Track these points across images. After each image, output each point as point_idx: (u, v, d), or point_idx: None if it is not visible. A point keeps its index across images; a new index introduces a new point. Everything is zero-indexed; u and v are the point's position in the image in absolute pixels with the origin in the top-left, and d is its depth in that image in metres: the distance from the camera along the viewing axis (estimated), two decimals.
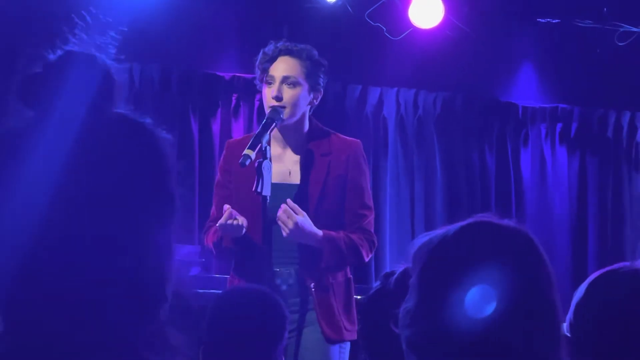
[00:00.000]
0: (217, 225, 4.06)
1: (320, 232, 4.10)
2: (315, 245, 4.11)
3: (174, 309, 1.35)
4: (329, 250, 4.11)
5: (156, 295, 1.29)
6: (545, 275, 1.68)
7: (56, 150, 1.26)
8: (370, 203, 4.29)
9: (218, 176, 4.37)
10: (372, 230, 4.26)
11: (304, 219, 4.07)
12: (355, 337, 4.21)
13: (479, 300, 1.64)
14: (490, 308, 1.64)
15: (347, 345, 4.25)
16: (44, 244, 1.24)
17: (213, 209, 4.33)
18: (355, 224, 4.21)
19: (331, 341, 4.14)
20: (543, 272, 1.69)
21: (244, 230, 4.03)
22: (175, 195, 1.32)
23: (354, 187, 4.24)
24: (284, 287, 4.15)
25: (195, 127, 6.41)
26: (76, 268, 1.24)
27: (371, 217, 4.26)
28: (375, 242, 4.27)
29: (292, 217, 4.04)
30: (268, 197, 4.02)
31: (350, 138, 4.38)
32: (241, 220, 4.02)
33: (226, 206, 4.06)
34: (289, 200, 4.08)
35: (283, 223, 4.05)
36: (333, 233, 4.12)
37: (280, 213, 4.05)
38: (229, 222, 4.01)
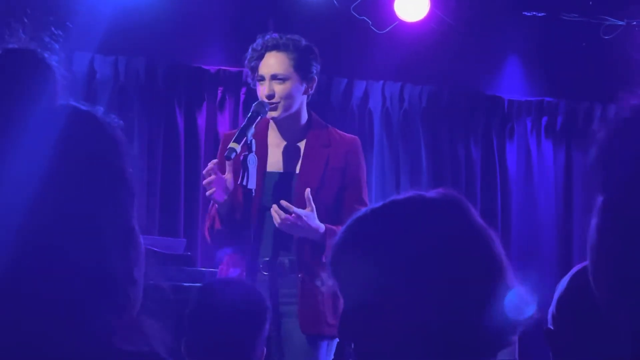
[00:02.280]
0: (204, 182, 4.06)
1: (322, 227, 4.10)
2: (316, 239, 4.09)
3: (149, 297, 1.35)
4: (331, 244, 4.09)
5: (124, 279, 1.29)
6: (472, 243, 1.70)
7: (1, 151, 1.26)
8: (367, 199, 4.29)
9: None
10: None
11: (310, 214, 4.06)
12: None
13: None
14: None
15: (335, 342, 4.25)
16: (1, 240, 1.23)
17: (211, 205, 4.30)
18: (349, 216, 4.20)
19: (307, 333, 4.11)
20: (469, 241, 1.70)
21: (230, 186, 4.03)
22: (131, 178, 1.32)
23: (352, 182, 4.24)
24: (274, 278, 4.14)
25: (180, 121, 6.40)
26: (37, 263, 1.24)
27: None
28: None
29: (280, 215, 4.04)
30: (253, 190, 4.02)
31: (349, 135, 4.38)
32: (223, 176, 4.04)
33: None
34: (307, 192, 4.08)
35: (275, 219, 4.06)
36: (334, 227, 4.12)
37: (274, 214, 4.05)
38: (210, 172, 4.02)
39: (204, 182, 4.05)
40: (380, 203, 1.78)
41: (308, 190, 4.08)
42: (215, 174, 4.03)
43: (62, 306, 1.24)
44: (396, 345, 1.66)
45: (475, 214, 1.74)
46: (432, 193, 1.76)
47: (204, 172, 4.07)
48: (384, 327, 1.67)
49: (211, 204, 4.22)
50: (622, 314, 1.22)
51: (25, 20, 1.38)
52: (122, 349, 1.26)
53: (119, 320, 1.28)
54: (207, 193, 4.06)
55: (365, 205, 4.24)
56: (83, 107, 1.33)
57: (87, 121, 1.31)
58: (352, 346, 1.72)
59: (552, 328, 1.95)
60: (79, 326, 1.24)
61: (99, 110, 1.34)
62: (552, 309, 1.96)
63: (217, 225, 4.15)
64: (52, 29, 1.39)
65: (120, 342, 1.26)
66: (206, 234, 4.27)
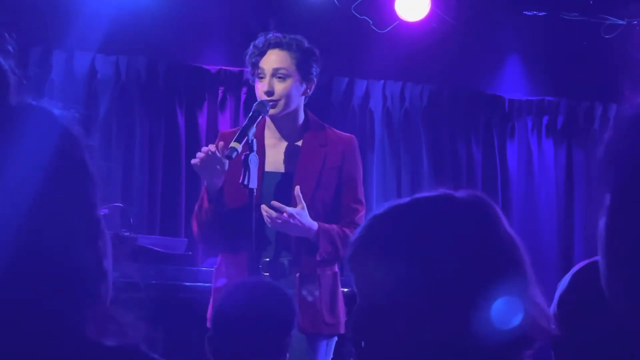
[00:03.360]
0: (195, 160, 4.06)
1: (315, 225, 4.11)
2: (310, 237, 4.11)
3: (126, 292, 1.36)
4: (325, 242, 4.11)
5: (93, 270, 1.29)
6: (496, 246, 1.67)
7: None
8: (363, 198, 4.30)
9: None
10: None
11: (301, 211, 4.07)
12: (338, 331, 4.22)
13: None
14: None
15: (334, 340, 4.26)
16: None
17: (202, 196, 4.31)
18: (348, 217, 4.22)
19: (305, 333, 4.12)
20: (494, 243, 1.67)
21: (226, 166, 4.03)
22: (93, 170, 1.32)
23: (348, 181, 4.25)
24: (274, 279, 4.14)
25: (181, 120, 6.40)
26: (4, 259, 1.24)
27: (363, 212, 4.25)
28: None
29: (271, 214, 4.05)
30: (255, 190, 4.02)
31: (346, 133, 4.38)
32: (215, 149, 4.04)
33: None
34: (296, 189, 4.08)
35: (270, 217, 4.06)
36: (327, 225, 4.13)
37: (266, 213, 4.05)
38: (204, 150, 4.03)
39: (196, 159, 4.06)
40: (406, 199, 1.71)
41: (297, 187, 4.09)
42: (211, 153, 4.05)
43: (32, 299, 1.24)
44: (407, 347, 1.64)
45: (504, 219, 1.70)
46: (461, 193, 1.70)
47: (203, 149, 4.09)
48: (397, 328, 1.64)
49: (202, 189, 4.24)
50: (633, 312, 1.22)
51: None
52: (99, 342, 1.26)
53: (91, 311, 1.28)
54: (193, 161, 4.07)
55: (362, 204, 4.26)
56: (38, 104, 1.33)
57: (43, 117, 1.32)
58: (362, 344, 1.69)
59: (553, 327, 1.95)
60: (50, 319, 1.25)
61: (56, 105, 1.34)
62: (553, 307, 1.96)
63: (205, 205, 4.15)
64: (2, 30, 1.40)
65: (94, 334, 1.27)
66: (193, 222, 4.25)
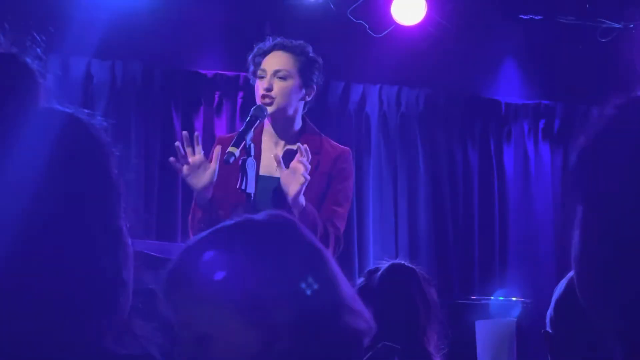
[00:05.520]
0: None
1: (304, 200, 4.09)
2: (297, 208, 4.07)
3: (141, 299, 1.35)
4: (306, 220, 4.07)
5: (113, 281, 1.28)
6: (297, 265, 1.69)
7: None
8: (343, 201, 4.28)
9: None
10: (340, 227, 4.24)
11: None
12: None
13: None
14: None
15: None
16: None
17: (193, 207, 4.31)
18: (324, 216, 4.21)
19: None
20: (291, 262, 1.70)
21: (215, 173, 4.03)
22: (117, 179, 1.32)
23: (335, 186, 4.25)
24: None
25: (177, 125, 6.40)
26: (25, 266, 1.23)
27: (341, 212, 4.24)
28: (341, 238, 4.25)
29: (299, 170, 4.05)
30: (252, 195, 4.02)
31: (342, 146, 4.39)
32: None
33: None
34: (276, 155, 4.09)
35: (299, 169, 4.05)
36: (315, 210, 4.12)
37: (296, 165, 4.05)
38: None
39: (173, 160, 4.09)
40: (208, 230, 1.77)
41: (277, 154, 4.10)
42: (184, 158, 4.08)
43: (51, 308, 1.24)
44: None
45: (306, 233, 1.74)
46: (261, 215, 1.75)
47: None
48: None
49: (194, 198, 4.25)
50: (610, 326, 1.20)
51: (6, 25, 1.38)
52: (114, 352, 1.26)
53: (109, 321, 1.27)
54: (175, 166, 4.11)
55: (340, 205, 4.24)
56: (66, 110, 1.33)
57: (70, 123, 1.31)
58: None
59: (550, 331, 1.96)
60: (68, 327, 1.24)
61: (83, 112, 1.34)
62: (550, 312, 1.96)
63: (198, 214, 4.16)
64: (34, 33, 1.39)
65: (111, 344, 1.26)
66: (190, 228, 4.26)
